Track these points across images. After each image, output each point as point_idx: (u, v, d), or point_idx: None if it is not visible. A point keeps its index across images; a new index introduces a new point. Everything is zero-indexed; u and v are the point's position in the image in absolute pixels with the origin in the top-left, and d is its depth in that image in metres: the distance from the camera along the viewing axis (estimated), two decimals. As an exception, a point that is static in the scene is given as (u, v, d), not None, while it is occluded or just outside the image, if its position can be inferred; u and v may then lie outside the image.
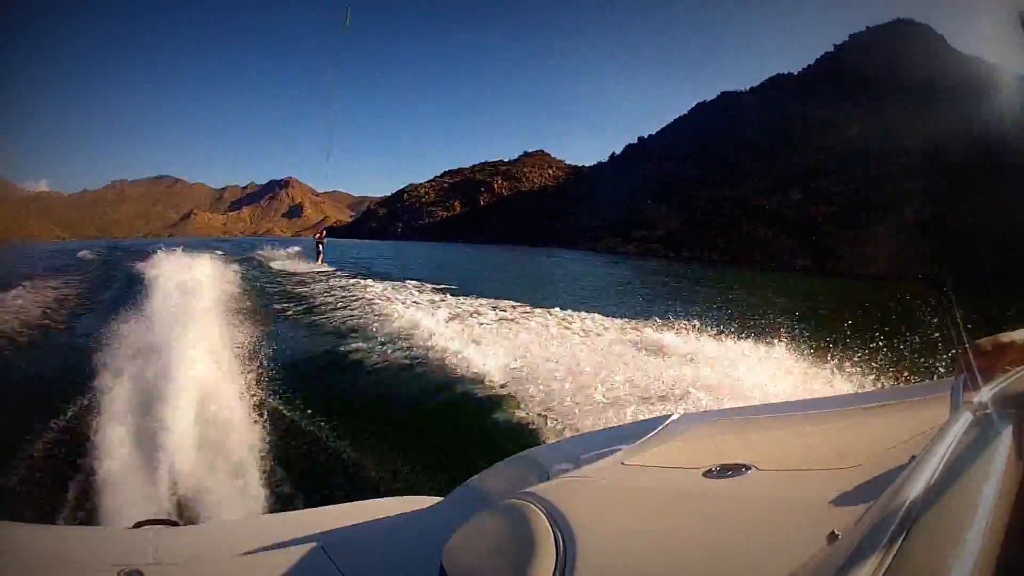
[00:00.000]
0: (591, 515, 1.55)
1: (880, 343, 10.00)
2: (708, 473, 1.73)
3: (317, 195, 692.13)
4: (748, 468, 1.73)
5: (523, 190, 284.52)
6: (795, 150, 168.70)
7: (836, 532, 0.97)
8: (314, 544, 2.25)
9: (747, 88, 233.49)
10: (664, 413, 2.74)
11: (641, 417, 5.98)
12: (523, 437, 7.06)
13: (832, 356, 9.85)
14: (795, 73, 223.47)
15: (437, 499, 2.72)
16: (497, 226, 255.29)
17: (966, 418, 1.05)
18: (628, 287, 35.80)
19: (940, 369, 8.15)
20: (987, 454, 0.90)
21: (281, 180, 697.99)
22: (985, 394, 1.17)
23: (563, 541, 1.36)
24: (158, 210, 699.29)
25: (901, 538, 0.71)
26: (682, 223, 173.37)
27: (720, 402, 7.49)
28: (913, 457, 0.93)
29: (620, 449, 2.18)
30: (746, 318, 13.42)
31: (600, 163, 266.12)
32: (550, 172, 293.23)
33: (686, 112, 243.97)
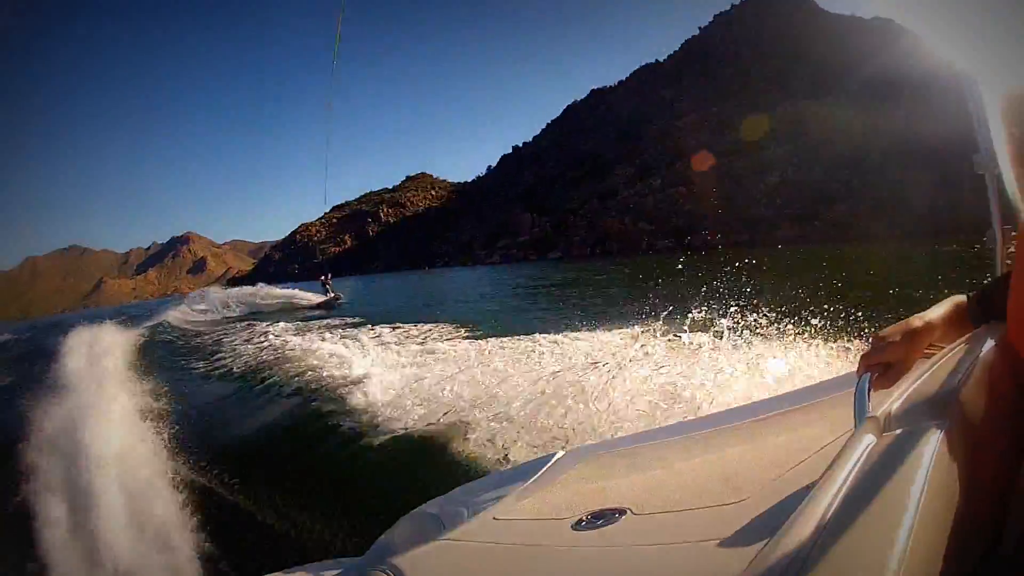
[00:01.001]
0: None
1: (780, 315, 9.87)
2: (577, 524, 1.64)
3: (217, 246, 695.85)
4: (622, 513, 1.64)
5: (408, 215, 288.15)
6: (659, 137, 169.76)
7: None
8: None
9: (616, 83, 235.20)
10: (555, 449, 2.71)
11: (536, 452, 5.83)
12: (436, 477, 6.49)
13: (739, 336, 9.49)
14: (662, 61, 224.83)
15: (353, 560, 2.70)
16: (387, 254, 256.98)
17: (869, 439, 0.99)
18: (486, 300, 33.34)
19: (841, 358, 8.23)
20: (897, 474, 0.85)
21: (181, 236, 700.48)
22: (888, 406, 1.11)
23: None
24: (71, 283, 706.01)
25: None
26: (549, 225, 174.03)
27: (615, 429, 6.86)
28: (810, 484, 0.88)
29: (502, 497, 2.11)
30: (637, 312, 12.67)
31: (479, 177, 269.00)
32: (432, 193, 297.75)
33: (558, 115, 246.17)
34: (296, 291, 37.76)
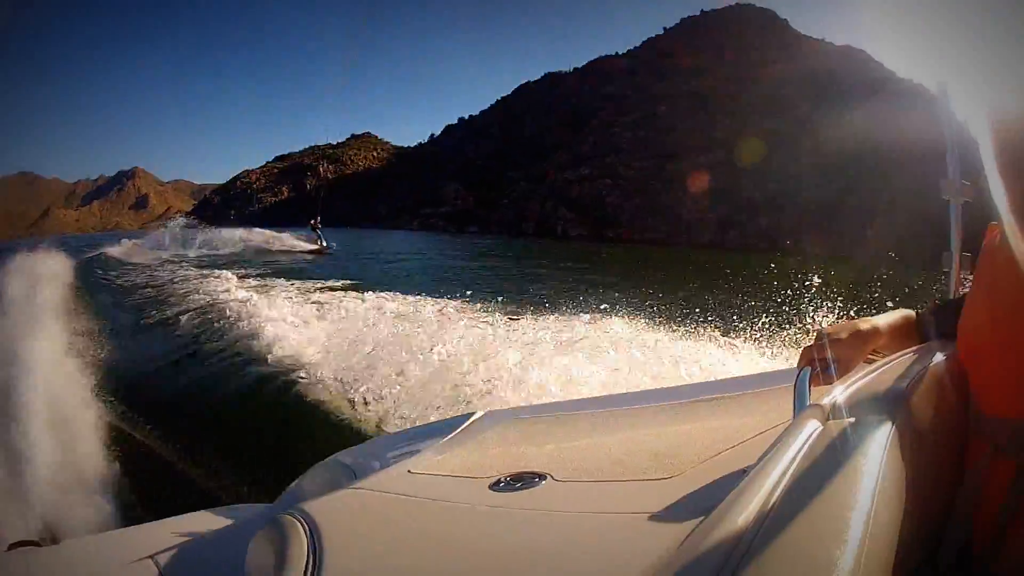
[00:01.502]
0: (358, 533, 1.48)
1: (714, 308, 11.35)
2: (496, 484, 1.59)
3: (162, 185, 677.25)
4: (543, 478, 1.59)
5: (347, 173, 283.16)
6: (600, 129, 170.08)
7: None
8: (149, 561, 2.24)
9: (572, 69, 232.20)
10: (470, 410, 2.59)
11: (450, 413, 5.64)
12: (349, 431, 6.75)
13: (678, 326, 10.33)
14: (621, 54, 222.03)
15: (263, 507, 2.65)
16: (322, 210, 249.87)
17: (813, 424, 0.95)
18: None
19: (784, 350, 9.19)
20: (837, 468, 0.79)
21: (128, 171, 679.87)
22: (833, 397, 1.08)
23: (313, 565, 1.29)
24: (20, 209, 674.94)
25: (740, 558, 0.61)
26: (472, 200, 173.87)
27: (539, 395, 6.96)
28: (743, 469, 0.86)
29: (417, 452, 2.07)
30: (570, 292, 15.02)
31: (421, 143, 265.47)
32: (374, 154, 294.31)
33: (510, 93, 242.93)
34: (286, 236, 38.51)
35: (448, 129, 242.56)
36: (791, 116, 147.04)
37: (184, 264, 25.52)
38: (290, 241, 37.80)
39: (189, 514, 2.61)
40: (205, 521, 2.52)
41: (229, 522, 2.45)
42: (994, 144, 0.94)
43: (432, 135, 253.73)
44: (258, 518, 2.24)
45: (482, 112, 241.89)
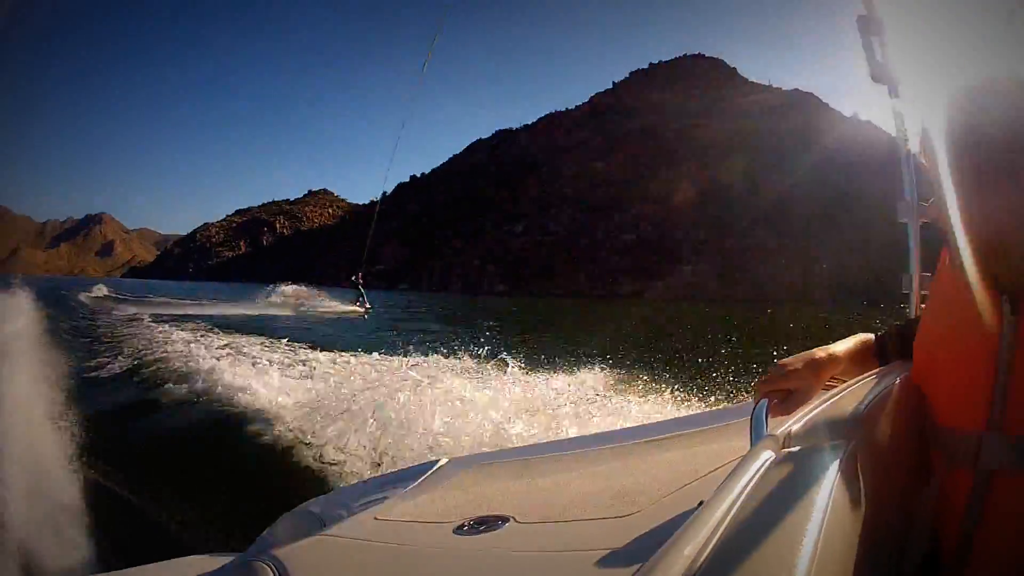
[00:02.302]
0: None
1: (668, 358, 11.97)
2: (460, 528, 1.60)
3: (127, 232, 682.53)
4: (506, 520, 1.60)
5: (303, 229, 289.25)
6: (539, 185, 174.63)
7: None
8: None
9: (521, 125, 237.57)
10: (434, 457, 2.56)
11: (414, 461, 5.01)
12: (318, 481, 6.62)
13: (634, 379, 10.46)
14: (570, 110, 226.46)
15: (233, 556, 2.42)
16: (275, 266, 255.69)
17: (767, 454, 0.93)
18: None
19: (740, 389, 9.21)
20: (799, 488, 0.81)
21: (96, 215, 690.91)
22: (789, 425, 1.06)
23: None
24: None
25: None
26: (405, 258, 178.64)
27: (500, 441, 6.96)
28: (701, 502, 0.82)
29: (384, 500, 2.05)
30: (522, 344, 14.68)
31: (373, 201, 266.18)
32: (329, 211, 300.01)
33: (461, 150, 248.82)
34: (325, 296, 37.34)
35: (399, 187, 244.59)
36: (729, 164, 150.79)
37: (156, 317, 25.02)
38: (328, 302, 36.57)
39: (162, 562, 2.59)
40: (178, 569, 2.56)
41: (201, 570, 2.31)
42: (944, 166, 1.00)
43: (384, 192, 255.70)
44: (229, 566, 2.15)
45: (433, 170, 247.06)
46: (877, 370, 1.44)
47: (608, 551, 1.26)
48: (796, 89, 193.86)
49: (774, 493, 0.80)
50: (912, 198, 2.39)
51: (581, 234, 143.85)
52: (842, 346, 1.50)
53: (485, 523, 1.60)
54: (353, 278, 34.59)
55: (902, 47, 2.15)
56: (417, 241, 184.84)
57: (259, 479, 7.18)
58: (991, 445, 1.10)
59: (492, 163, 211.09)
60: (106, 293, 39.10)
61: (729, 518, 0.74)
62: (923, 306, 1.74)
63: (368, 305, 32.99)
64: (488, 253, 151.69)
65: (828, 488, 0.82)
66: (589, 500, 1.67)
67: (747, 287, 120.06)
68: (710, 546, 0.68)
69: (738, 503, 0.77)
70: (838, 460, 0.91)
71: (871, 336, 1.58)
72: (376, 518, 1.82)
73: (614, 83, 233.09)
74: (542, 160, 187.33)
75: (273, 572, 1.42)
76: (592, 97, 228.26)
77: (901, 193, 2.42)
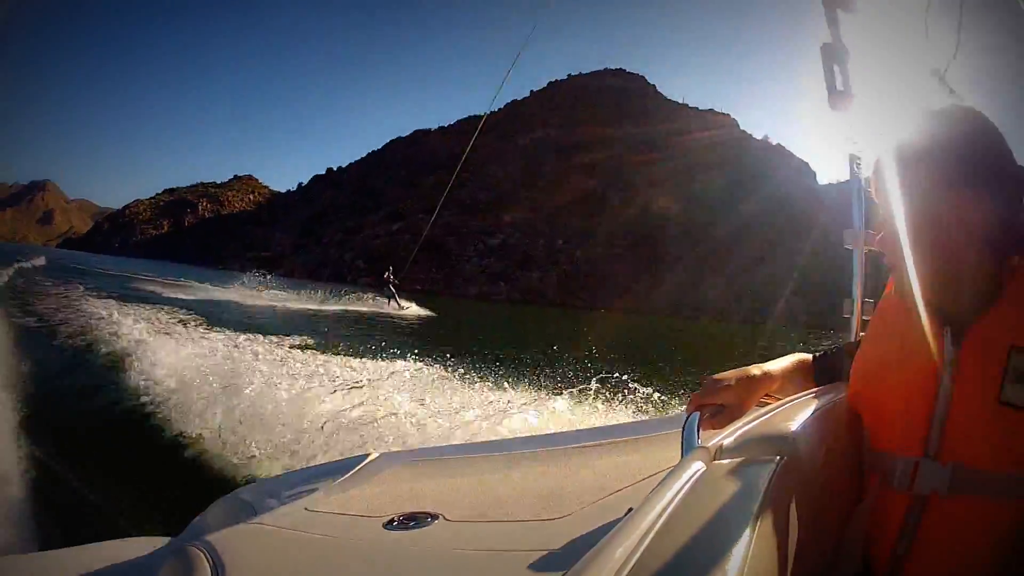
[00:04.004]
0: (259, 568, 1.50)
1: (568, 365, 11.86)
2: (390, 524, 1.65)
3: (67, 202, 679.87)
4: (435, 518, 1.65)
5: (223, 213, 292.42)
6: (431, 188, 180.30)
7: None
8: None
9: (436, 127, 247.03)
10: (364, 452, 2.64)
11: (347, 454, 5.69)
12: (249, 468, 7.16)
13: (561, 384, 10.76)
14: (484, 114, 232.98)
15: (168, 540, 2.61)
16: (194, 248, 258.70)
17: (697, 465, 0.97)
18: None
19: (675, 402, 9.83)
20: (719, 506, 0.82)
21: (41, 182, 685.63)
22: (720, 439, 1.09)
23: None
24: None
25: None
26: (292, 247, 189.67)
27: (429, 438, 7.51)
28: (630, 509, 0.83)
29: (315, 491, 2.13)
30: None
31: (289, 191, 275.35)
32: (251, 197, 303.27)
33: (380, 147, 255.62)
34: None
35: (315, 178, 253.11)
36: (611, 177, 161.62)
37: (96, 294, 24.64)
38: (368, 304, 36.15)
39: (96, 543, 2.61)
40: (105, 552, 2.53)
41: (135, 553, 2.41)
42: (898, 188, 1.07)
43: (300, 184, 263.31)
44: (164, 550, 2.34)
45: (349, 164, 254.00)
46: (813, 390, 1.47)
47: (537, 552, 1.30)
48: (711, 109, 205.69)
49: (704, 503, 0.82)
50: (860, 225, 2.54)
51: (453, 235, 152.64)
52: (778, 364, 1.54)
53: (415, 519, 1.66)
54: (386, 275, 35.80)
55: (862, 75, 2.26)
56: (311, 231, 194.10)
57: (193, 464, 7.49)
58: (927, 471, 1.16)
59: (401, 162, 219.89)
60: (43, 263, 39.11)
61: (659, 525, 0.75)
62: (863, 333, 1.79)
63: (399, 304, 34.27)
64: (361, 248, 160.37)
65: (757, 501, 0.82)
66: (519, 501, 1.77)
67: (586, 295, 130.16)
68: (639, 552, 0.69)
69: (668, 511, 0.79)
70: (769, 474, 0.91)
71: (808, 356, 1.64)
72: (307, 509, 1.93)
73: (532, 91, 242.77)
74: (444, 162, 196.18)
75: (207, 558, 1.47)
76: (507, 104, 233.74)
77: (850, 221, 2.56)
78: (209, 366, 10.84)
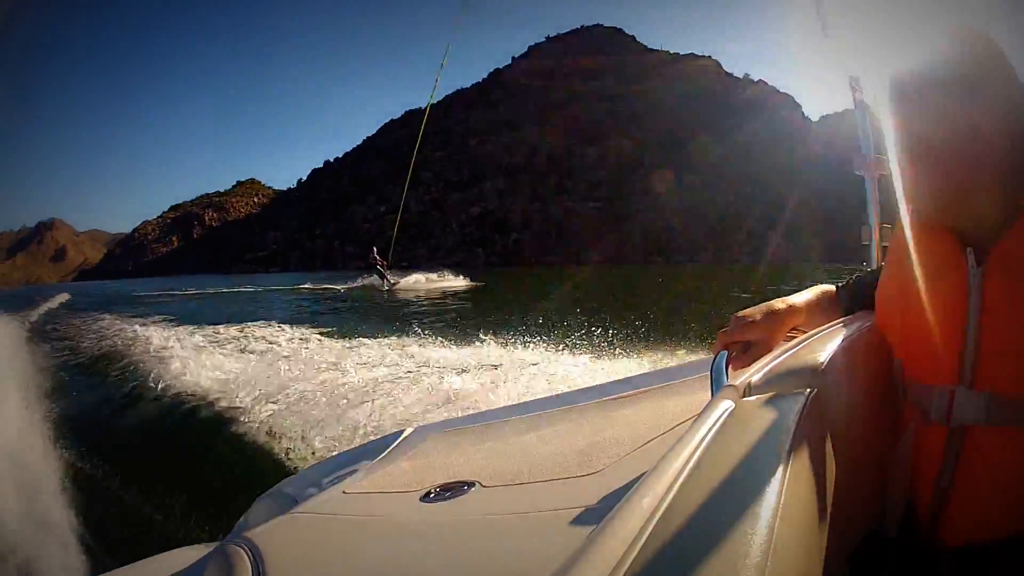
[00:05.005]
0: (298, 555, 1.56)
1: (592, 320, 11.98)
2: (426, 496, 1.70)
3: (77, 235, 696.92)
4: (471, 486, 1.70)
5: (229, 220, 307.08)
6: (420, 164, 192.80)
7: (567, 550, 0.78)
8: None
9: (426, 106, 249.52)
10: (400, 428, 2.76)
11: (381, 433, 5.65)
12: (290, 461, 7.29)
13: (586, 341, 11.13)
14: (467, 88, 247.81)
15: (214, 545, 2.57)
16: (202, 258, 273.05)
17: (727, 404, 0.94)
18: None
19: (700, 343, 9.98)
20: (750, 444, 0.82)
21: (48, 221, 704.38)
22: (748, 376, 1.06)
23: None
24: None
25: (644, 544, 0.62)
26: (280, 244, 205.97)
27: (464, 408, 7.50)
28: (662, 458, 0.80)
29: (353, 472, 2.24)
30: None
31: (289, 189, 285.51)
32: (255, 200, 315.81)
33: (375, 132, 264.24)
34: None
35: (313, 172, 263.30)
36: (587, 133, 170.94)
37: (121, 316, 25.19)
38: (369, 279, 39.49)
39: (148, 559, 2.64)
40: (164, 564, 2.52)
41: (181, 564, 2.42)
42: (892, 122, 1.05)
43: (300, 179, 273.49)
44: (208, 556, 2.29)
45: (345, 153, 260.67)
46: (839, 320, 1.47)
47: (572, 510, 1.32)
48: (691, 53, 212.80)
49: (735, 441, 0.82)
50: (868, 150, 2.53)
51: (435, 210, 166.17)
52: (802, 297, 1.54)
53: (451, 489, 1.68)
54: (371, 257, 38.49)
55: None
56: (306, 226, 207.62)
57: (236, 466, 7.52)
58: (964, 401, 1.13)
59: (394, 144, 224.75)
60: (67, 299, 38.70)
61: (688, 468, 0.75)
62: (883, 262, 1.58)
63: (390, 280, 36.04)
64: (351, 235, 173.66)
65: (790, 436, 0.83)
66: (552, 461, 1.75)
67: (560, 253, 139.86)
68: (668, 498, 0.69)
69: (698, 453, 0.79)
70: (799, 407, 0.92)
71: (832, 287, 1.62)
72: (345, 492, 1.95)
73: (513, 57, 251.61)
74: (432, 139, 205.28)
75: (247, 555, 1.49)
76: (490, 73, 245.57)
77: (857, 147, 2.55)
78: (237, 367, 11.28)
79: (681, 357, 9.45)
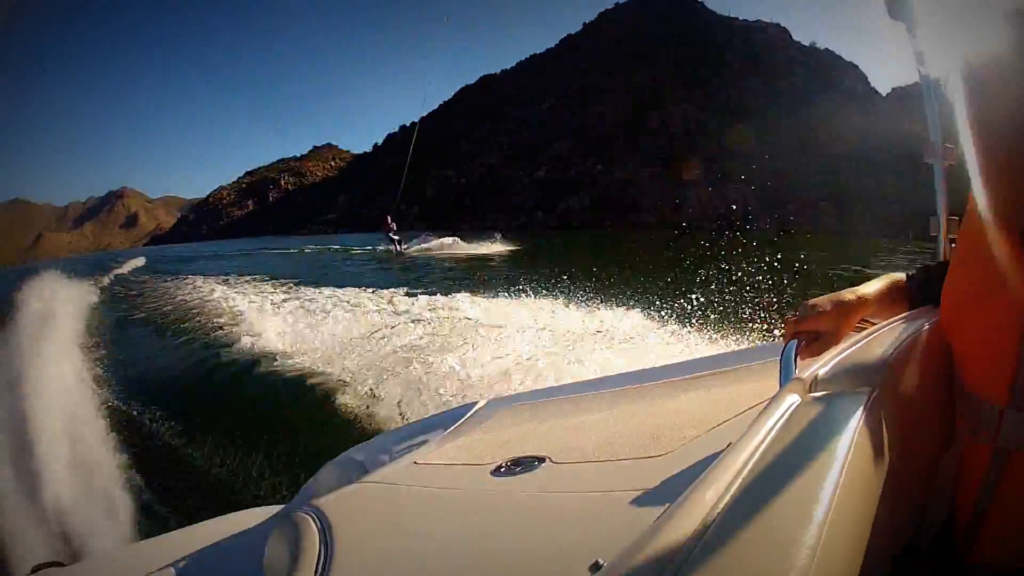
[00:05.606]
0: (367, 525, 1.60)
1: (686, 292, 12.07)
2: (496, 470, 1.76)
3: (150, 202, 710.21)
4: (541, 461, 1.75)
5: (305, 184, 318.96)
6: (487, 134, 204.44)
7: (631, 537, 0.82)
8: (170, 570, 2.41)
9: (500, 71, 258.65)
10: (473, 399, 2.87)
11: (454, 403, 5.62)
12: (360, 427, 7.41)
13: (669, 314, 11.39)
14: (539, 54, 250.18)
15: (282, 506, 2.87)
16: (277, 221, 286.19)
17: (792, 398, 0.96)
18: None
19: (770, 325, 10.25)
20: (812, 442, 0.84)
21: (117, 190, 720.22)
22: (816, 369, 1.08)
23: (324, 559, 1.39)
24: (13, 236, 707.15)
25: (704, 537, 0.65)
26: (356, 206, 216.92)
27: (538, 381, 7.49)
28: (730, 443, 0.84)
29: (424, 443, 2.32)
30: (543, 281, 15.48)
31: (365, 153, 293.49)
32: (331, 164, 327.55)
33: (451, 97, 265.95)
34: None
35: (388, 138, 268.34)
36: (652, 99, 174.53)
37: (193, 276, 26.22)
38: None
39: (208, 521, 2.78)
40: (223, 526, 2.69)
41: (247, 525, 2.61)
42: (967, 109, 0.94)
43: (376, 144, 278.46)
44: (275, 519, 2.46)
45: (422, 118, 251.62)
46: (905, 314, 1.48)
47: (637, 491, 1.36)
48: (759, 20, 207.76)
49: (798, 439, 0.85)
50: (936, 137, 2.47)
51: (502, 173, 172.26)
52: (871, 287, 1.56)
53: (521, 464, 1.74)
54: (385, 225, 39.59)
55: None
56: (373, 191, 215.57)
57: (304, 430, 7.71)
58: (1011, 423, 1.09)
59: (470, 109, 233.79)
60: (142, 264, 40.51)
61: (752, 462, 0.78)
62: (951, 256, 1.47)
63: (400, 249, 37.62)
64: (414, 196, 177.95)
65: (850, 437, 0.85)
66: (621, 440, 1.81)
67: (614, 215, 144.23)
68: (732, 490, 0.73)
69: (761, 448, 0.82)
70: (861, 408, 0.94)
71: (902, 277, 1.63)
72: (416, 462, 2.02)
73: (584, 24, 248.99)
74: (499, 106, 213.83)
75: (315, 521, 1.54)
76: (560, 40, 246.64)
77: (927, 134, 2.49)
78: (309, 326, 11.63)
79: (752, 340, 9.62)
